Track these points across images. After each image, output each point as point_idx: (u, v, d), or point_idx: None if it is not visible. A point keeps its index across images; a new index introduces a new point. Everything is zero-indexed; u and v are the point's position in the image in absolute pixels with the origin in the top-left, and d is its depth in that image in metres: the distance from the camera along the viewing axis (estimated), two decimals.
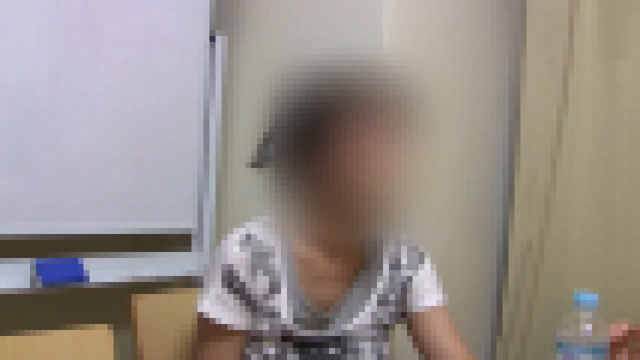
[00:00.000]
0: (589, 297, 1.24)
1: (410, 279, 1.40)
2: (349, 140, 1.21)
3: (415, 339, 1.41)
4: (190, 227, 2.12)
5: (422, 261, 1.43)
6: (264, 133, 1.29)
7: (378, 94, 1.24)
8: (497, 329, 2.32)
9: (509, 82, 2.37)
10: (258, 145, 1.30)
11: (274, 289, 1.28)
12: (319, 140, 1.22)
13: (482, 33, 2.27)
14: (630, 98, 2.12)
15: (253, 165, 1.30)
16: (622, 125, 2.12)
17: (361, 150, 1.22)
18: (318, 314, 1.32)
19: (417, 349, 1.42)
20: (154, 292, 1.58)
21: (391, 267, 1.39)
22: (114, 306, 1.62)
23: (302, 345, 1.31)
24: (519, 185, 2.26)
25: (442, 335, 1.38)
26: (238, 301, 1.27)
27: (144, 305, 1.53)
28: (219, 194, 2.18)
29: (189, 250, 2.14)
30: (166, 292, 1.62)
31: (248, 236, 1.28)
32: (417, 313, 1.39)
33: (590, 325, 1.23)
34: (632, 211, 2.10)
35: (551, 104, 2.21)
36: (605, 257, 2.12)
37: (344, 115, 1.21)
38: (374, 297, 1.37)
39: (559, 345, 1.24)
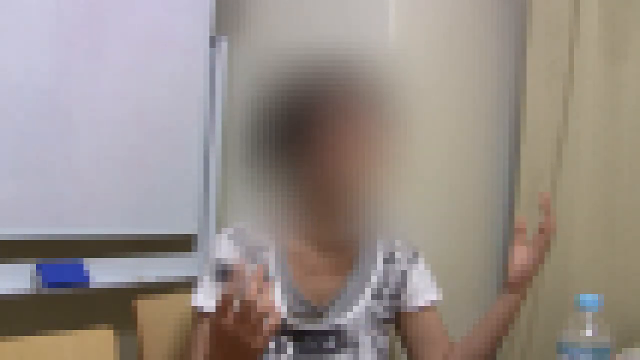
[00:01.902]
0: (590, 298, 1.24)
1: (404, 273, 1.41)
2: (339, 136, 1.23)
3: (402, 335, 1.44)
4: (192, 229, 2.12)
5: (416, 257, 1.44)
6: (258, 128, 1.30)
7: (371, 93, 1.25)
8: None
9: (512, 83, 2.37)
10: (251, 140, 1.31)
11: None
12: (310, 136, 1.24)
13: (485, 34, 2.27)
14: (633, 99, 2.12)
15: (248, 156, 1.31)
16: (625, 127, 2.12)
17: (351, 146, 1.23)
18: (313, 306, 1.32)
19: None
20: (156, 295, 1.58)
21: (385, 261, 1.41)
22: (116, 308, 1.62)
23: (299, 338, 1.32)
24: (522, 187, 2.26)
25: (423, 338, 1.41)
26: None
27: (147, 308, 1.54)
28: (221, 196, 2.18)
29: (191, 253, 2.14)
30: (169, 295, 1.62)
31: (240, 231, 1.30)
32: (405, 312, 1.42)
33: (592, 326, 1.23)
34: (635, 213, 2.10)
35: (554, 105, 2.21)
36: (608, 259, 2.12)
37: (334, 112, 1.23)
38: (368, 291, 1.38)
39: (561, 346, 1.24)
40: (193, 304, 1.31)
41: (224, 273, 1.28)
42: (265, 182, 1.30)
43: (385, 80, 1.27)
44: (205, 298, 1.30)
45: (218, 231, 2.14)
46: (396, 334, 1.46)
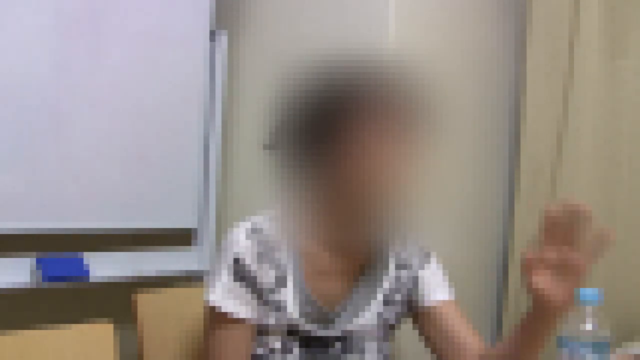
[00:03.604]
0: (590, 292, 1.24)
1: (416, 278, 1.40)
2: (357, 137, 1.20)
3: (427, 334, 1.39)
4: (191, 224, 2.12)
5: (428, 259, 1.42)
6: (274, 130, 1.28)
7: (388, 91, 1.23)
8: (499, 326, 2.32)
9: (512, 78, 2.37)
10: (269, 135, 1.29)
11: (280, 282, 1.28)
12: (328, 136, 1.22)
13: (485, 31, 2.27)
14: (632, 96, 2.12)
15: (265, 147, 1.30)
16: (624, 124, 2.13)
17: (370, 147, 1.21)
18: (324, 309, 1.31)
19: (421, 349, 1.41)
20: (155, 289, 1.58)
21: (397, 266, 1.39)
22: (115, 303, 1.62)
23: (307, 342, 1.32)
24: (522, 183, 2.26)
25: (455, 327, 1.37)
26: (245, 290, 1.27)
27: (146, 302, 1.53)
28: (220, 191, 2.18)
29: (191, 247, 2.14)
30: (168, 289, 1.62)
31: (255, 227, 1.29)
32: (427, 307, 1.39)
33: (592, 320, 1.23)
34: (634, 208, 2.10)
35: (554, 102, 2.21)
36: (608, 254, 2.11)
37: (353, 112, 1.20)
38: (379, 297, 1.36)
39: (561, 341, 1.24)
40: (211, 299, 1.28)
41: (240, 270, 1.27)
42: (278, 180, 1.29)
43: (399, 78, 1.25)
44: (221, 295, 1.27)
45: (219, 227, 2.14)
46: (419, 336, 1.41)
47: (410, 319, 1.42)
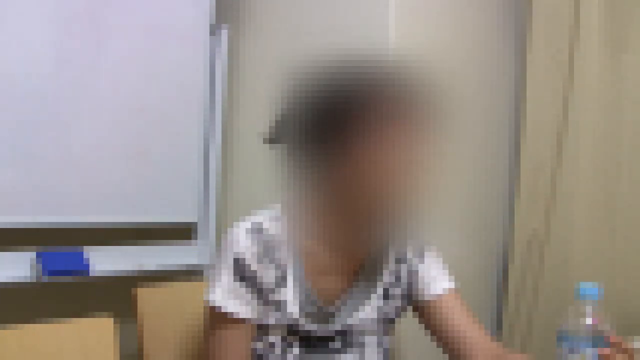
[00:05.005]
0: (590, 289, 1.24)
1: (416, 271, 1.40)
2: (361, 136, 1.20)
3: (432, 327, 1.40)
4: (193, 219, 2.12)
5: (426, 252, 1.43)
6: (277, 124, 1.28)
7: (391, 90, 1.22)
8: (498, 326, 2.32)
9: (514, 76, 2.37)
10: (271, 129, 1.29)
11: (281, 282, 1.28)
12: (331, 135, 1.21)
13: (486, 31, 2.27)
14: (634, 92, 2.12)
15: (265, 141, 1.29)
16: (626, 120, 2.13)
17: (373, 147, 1.20)
18: (324, 307, 1.32)
19: (421, 343, 1.41)
20: (156, 284, 1.58)
21: (397, 261, 1.39)
22: (116, 297, 1.62)
23: (307, 338, 1.32)
24: (523, 179, 2.26)
25: (460, 318, 1.38)
26: (246, 290, 1.27)
27: (147, 297, 1.54)
28: (221, 185, 2.18)
29: (191, 242, 2.14)
30: (169, 284, 1.62)
31: (255, 226, 1.28)
32: (429, 301, 1.39)
33: (592, 316, 1.23)
34: (634, 205, 2.11)
35: (555, 98, 2.21)
36: (608, 250, 2.12)
37: (356, 112, 1.19)
38: (379, 291, 1.36)
39: (561, 337, 1.24)
40: (211, 299, 1.27)
41: (241, 269, 1.27)
42: (284, 180, 1.29)
43: (405, 76, 1.25)
44: (222, 295, 1.27)
45: (219, 222, 2.14)
46: (425, 329, 1.42)
47: (411, 313, 1.43)
